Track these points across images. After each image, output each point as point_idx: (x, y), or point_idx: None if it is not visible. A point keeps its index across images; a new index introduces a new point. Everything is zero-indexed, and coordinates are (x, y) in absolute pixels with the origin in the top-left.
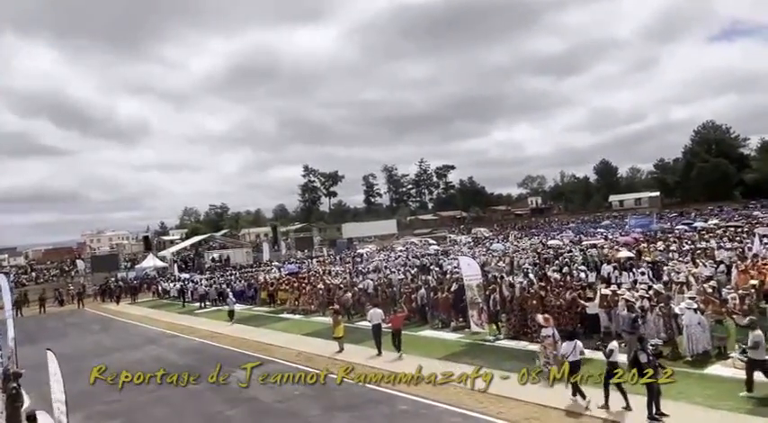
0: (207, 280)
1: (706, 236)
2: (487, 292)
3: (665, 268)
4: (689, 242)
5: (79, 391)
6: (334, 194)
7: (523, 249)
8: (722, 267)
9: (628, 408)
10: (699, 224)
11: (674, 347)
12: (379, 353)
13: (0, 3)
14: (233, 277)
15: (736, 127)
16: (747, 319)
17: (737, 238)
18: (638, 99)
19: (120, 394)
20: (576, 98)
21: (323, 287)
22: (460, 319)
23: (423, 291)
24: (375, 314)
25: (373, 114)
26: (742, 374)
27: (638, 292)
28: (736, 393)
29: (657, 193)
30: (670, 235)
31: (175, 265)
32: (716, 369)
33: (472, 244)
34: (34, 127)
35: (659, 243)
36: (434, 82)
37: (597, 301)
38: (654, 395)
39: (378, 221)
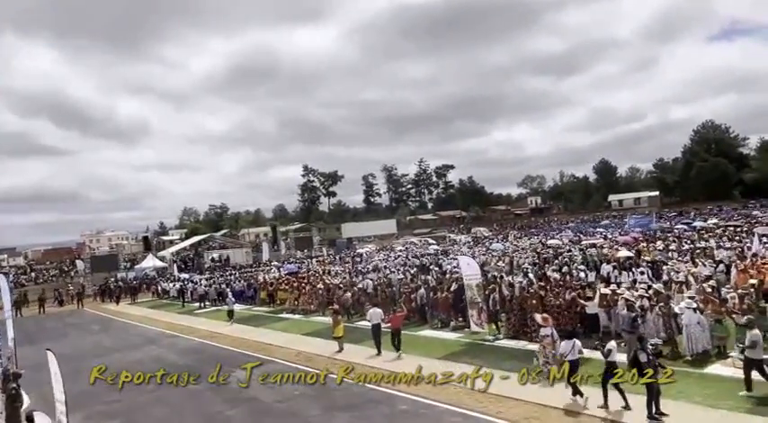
0: (206, 280)
1: (705, 235)
2: (487, 292)
3: (664, 268)
4: (688, 242)
5: (79, 391)
6: (334, 194)
7: (523, 249)
8: (721, 267)
9: (627, 407)
10: (698, 224)
11: (673, 347)
12: (379, 352)
13: (0, 3)
14: (232, 277)
15: (736, 126)
16: (745, 318)
17: (737, 238)
18: (637, 99)
19: (119, 394)
20: (576, 98)
21: (322, 287)
22: (460, 319)
23: (422, 290)
24: (374, 314)
25: (373, 114)
26: (741, 374)
27: (637, 291)
28: (735, 393)
29: (657, 193)
30: (669, 234)
31: (175, 265)
32: (715, 368)
33: (472, 244)
34: (34, 127)
35: (659, 242)
36: (434, 82)
37: (597, 300)
38: (653, 395)
39: (377, 221)
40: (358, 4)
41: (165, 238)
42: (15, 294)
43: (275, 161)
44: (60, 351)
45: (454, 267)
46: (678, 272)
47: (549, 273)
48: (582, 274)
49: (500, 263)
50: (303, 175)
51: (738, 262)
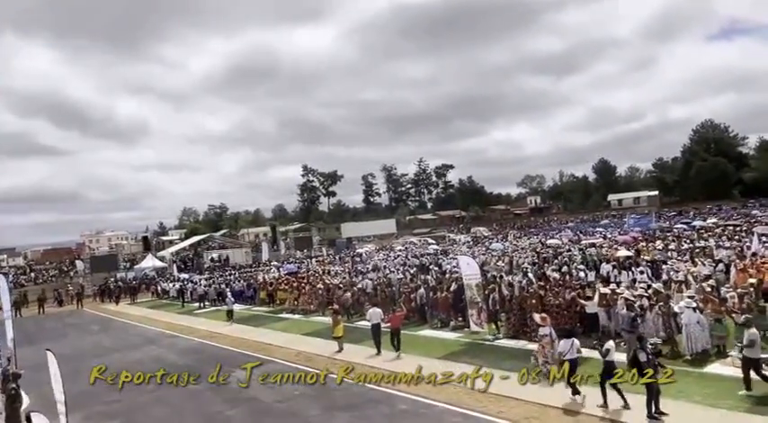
0: (206, 280)
1: (705, 235)
2: (487, 292)
3: (663, 267)
4: (688, 241)
5: (79, 391)
6: (334, 194)
7: (522, 249)
8: (721, 266)
9: (626, 406)
10: (697, 223)
11: (673, 346)
12: (379, 352)
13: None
14: (232, 277)
15: (735, 126)
16: (743, 317)
17: (736, 237)
18: (636, 98)
19: (119, 394)
20: (575, 97)
21: (322, 287)
22: (460, 319)
23: (422, 290)
24: (374, 313)
25: (372, 114)
26: (741, 373)
27: (637, 290)
28: (735, 392)
29: (656, 192)
30: (669, 234)
31: (174, 265)
32: (715, 368)
33: (471, 243)
34: (33, 127)
35: (658, 242)
36: (434, 81)
37: (596, 300)
38: (653, 394)
39: (377, 221)
40: (357, 4)
41: (164, 238)
42: (15, 295)
43: (275, 161)
44: (60, 351)
45: (454, 267)
46: (677, 271)
47: (548, 272)
48: (581, 274)
49: (500, 262)
50: (303, 175)
51: (738, 261)
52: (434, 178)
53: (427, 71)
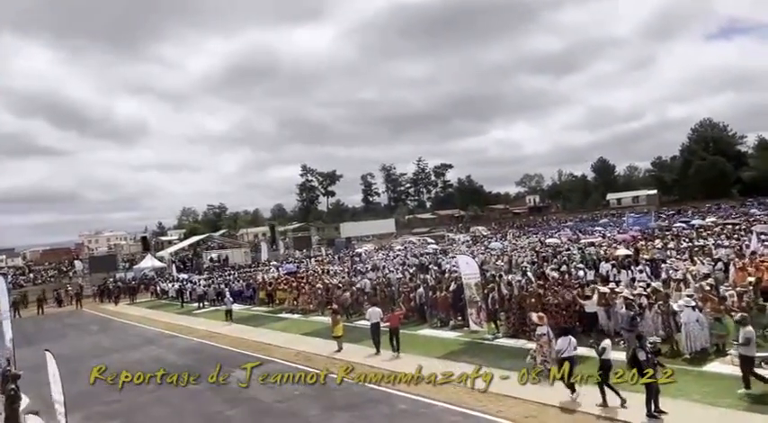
0: (205, 280)
1: (704, 233)
2: (486, 291)
3: (663, 266)
4: (687, 240)
5: (78, 391)
6: (333, 194)
7: (522, 248)
8: (720, 265)
9: (624, 405)
10: (696, 222)
11: (672, 345)
12: (378, 352)
13: None
14: (231, 277)
15: (734, 125)
16: (739, 315)
17: (735, 236)
18: (635, 97)
19: (119, 394)
20: (574, 97)
21: (321, 286)
22: (459, 318)
23: (421, 290)
24: (373, 313)
25: (371, 114)
26: (740, 372)
27: (636, 289)
28: (734, 390)
29: (655, 191)
30: (668, 233)
31: (174, 265)
32: (714, 366)
33: (470, 243)
34: (32, 127)
35: (657, 241)
36: (432, 81)
37: (595, 299)
38: (653, 393)
39: (376, 221)
40: (356, 4)
41: (163, 238)
42: (14, 295)
43: (274, 161)
44: (59, 352)
45: (453, 266)
46: (677, 270)
47: (547, 271)
48: (581, 273)
49: (499, 262)
50: (302, 175)
51: (737, 260)
52: (433, 178)
53: (426, 71)
